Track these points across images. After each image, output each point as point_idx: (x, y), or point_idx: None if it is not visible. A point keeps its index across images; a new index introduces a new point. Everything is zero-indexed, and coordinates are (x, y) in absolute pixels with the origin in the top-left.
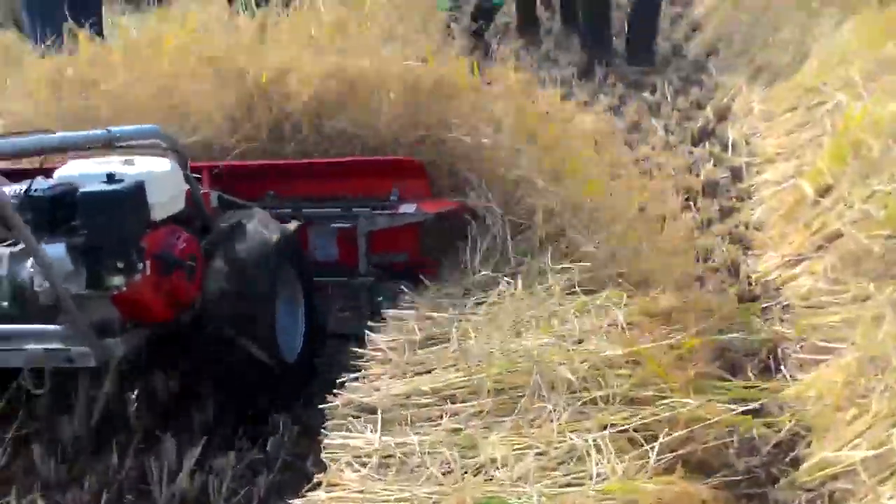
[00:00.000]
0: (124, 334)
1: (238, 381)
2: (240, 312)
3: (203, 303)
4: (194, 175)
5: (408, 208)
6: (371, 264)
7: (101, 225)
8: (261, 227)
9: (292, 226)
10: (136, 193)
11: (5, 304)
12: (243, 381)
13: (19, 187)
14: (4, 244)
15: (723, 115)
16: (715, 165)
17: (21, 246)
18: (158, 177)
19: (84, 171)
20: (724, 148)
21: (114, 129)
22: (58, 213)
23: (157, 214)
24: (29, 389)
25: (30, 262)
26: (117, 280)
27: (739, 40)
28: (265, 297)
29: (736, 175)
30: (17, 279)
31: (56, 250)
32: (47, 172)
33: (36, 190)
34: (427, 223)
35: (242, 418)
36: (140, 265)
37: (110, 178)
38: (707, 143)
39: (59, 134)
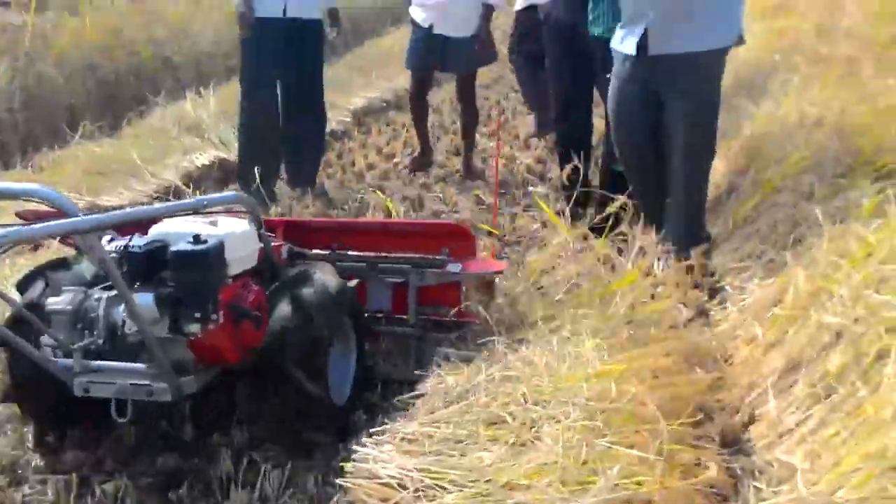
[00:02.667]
0: (196, 374)
1: (290, 415)
2: (299, 349)
3: (267, 342)
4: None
5: (454, 268)
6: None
7: (185, 280)
8: (323, 278)
9: (353, 282)
10: (217, 253)
11: (100, 341)
12: (296, 414)
13: (119, 243)
14: (102, 286)
15: None
16: None
17: (116, 291)
18: (236, 237)
19: (174, 231)
20: None
21: (202, 197)
22: (150, 266)
23: (233, 270)
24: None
25: (122, 306)
26: (195, 327)
27: None
28: (322, 339)
29: None
30: (110, 320)
31: (145, 299)
32: (144, 229)
33: (133, 246)
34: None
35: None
36: (215, 316)
37: (196, 238)
38: None
39: (156, 206)
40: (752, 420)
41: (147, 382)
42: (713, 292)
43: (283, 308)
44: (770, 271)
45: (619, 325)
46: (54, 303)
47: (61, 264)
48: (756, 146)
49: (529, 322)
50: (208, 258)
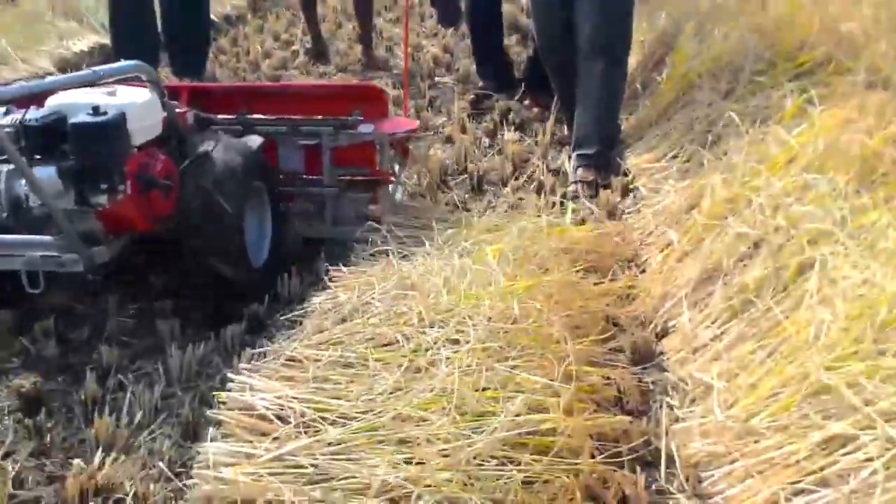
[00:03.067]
0: (108, 244)
1: (210, 287)
2: (210, 230)
3: (178, 218)
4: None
5: (366, 128)
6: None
7: (87, 152)
8: (232, 144)
9: (257, 142)
10: (119, 124)
11: (4, 215)
12: (215, 287)
13: (16, 116)
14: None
15: None
16: None
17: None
18: (138, 106)
19: (72, 102)
20: None
21: (99, 67)
22: (49, 139)
23: (137, 140)
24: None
25: (24, 180)
26: (102, 199)
27: None
28: (234, 216)
29: None
30: (13, 194)
31: (48, 172)
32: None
33: (30, 119)
34: None
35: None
36: (122, 186)
37: (95, 110)
38: None
39: (50, 79)
40: (664, 333)
41: (56, 254)
42: (625, 192)
43: (193, 181)
44: (685, 174)
45: (526, 231)
46: None
47: None
48: (671, 40)
49: (428, 228)
50: (110, 129)
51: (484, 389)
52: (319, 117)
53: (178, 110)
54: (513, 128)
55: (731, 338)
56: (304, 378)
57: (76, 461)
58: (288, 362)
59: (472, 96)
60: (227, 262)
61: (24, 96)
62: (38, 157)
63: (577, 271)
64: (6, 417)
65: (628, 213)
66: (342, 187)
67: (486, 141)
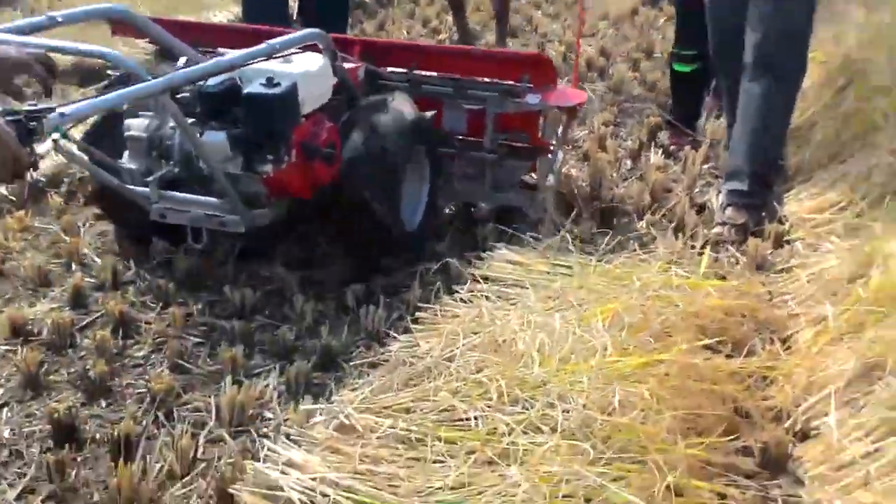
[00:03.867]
0: (269, 207)
1: (365, 244)
2: (372, 177)
3: (340, 170)
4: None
5: (533, 98)
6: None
7: (257, 122)
8: (399, 105)
9: (429, 113)
10: (290, 97)
11: (176, 169)
12: (370, 243)
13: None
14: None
15: None
16: None
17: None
18: (311, 76)
19: (249, 69)
20: None
21: (275, 40)
22: (223, 105)
23: (307, 109)
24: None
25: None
26: (267, 167)
27: None
28: (395, 168)
29: None
30: (185, 149)
31: (218, 136)
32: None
33: (208, 86)
34: None
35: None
36: (287, 157)
37: (269, 81)
38: None
39: (228, 56)
40: (805, 435)
41: (221, 214)
42: (779, 243)
43: (358, 137)
44: (853, 232)
45: (650, 287)
46: (130, 127)
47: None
48: (858, 66)
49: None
50: (281, 102)
51: (564, 497)
52: (487, 81)
53: (349, 66)
54: (660, 151)
55: (887, 460)
56: (352, 453)
57: None
58: (340, 428)
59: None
60: (384, 214)
61: (200, 77)
62: (211, 122)
63: (706, 345)
64: (34, 445)
65: (779, 270)
66: (502, 153)
67: (628, 163)
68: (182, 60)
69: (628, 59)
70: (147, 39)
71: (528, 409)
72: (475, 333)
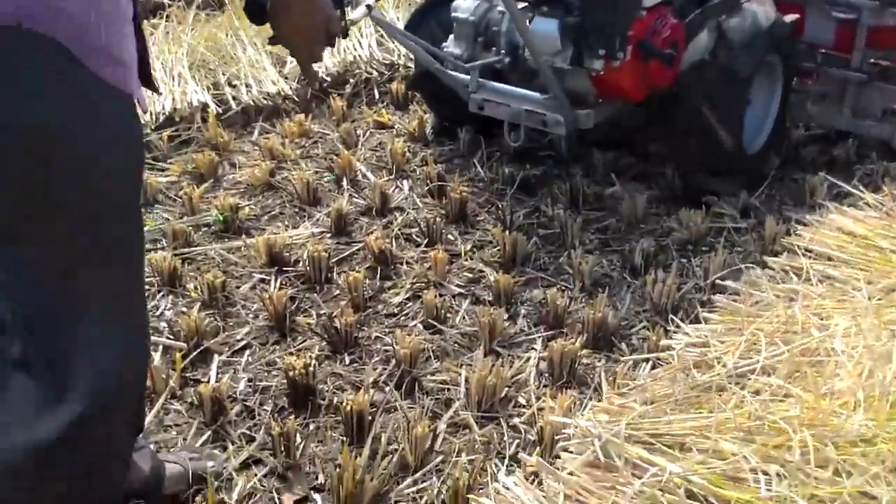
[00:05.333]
0: (595, 108)
1: (697, 161)
2: (716, 88)
3: (679, 77)
4: None
5: None
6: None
7: (592, 11)
8: (754, 6)
9: (790, 17)
10: None
11: (504, 59)
12: (703, 161)
13: None
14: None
15: None
16: None
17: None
18: None
19: None
20: None
21: None
22: None
23: (648, 1)
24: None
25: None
26: (598, 64)
27: None
28: (744, 80)
29: None
30: (512, 38)
31: (549, 26)
32: None
33: None
34: None
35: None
36: (621, 53)
37: None
38: None
39: None
40: None
41: (542, 112)
42: None
43: (704, 39)
44: None
45: None
46: (458, 9)
47: None
48: None
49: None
50: None
51: None
52: None
53: None
54: None
55: None
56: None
57: None
58: (593, 464)
59: None
60: (724, 132)
61: None
62: (544, 8)
63: None
64: (267, 402)
65: None
66: (872, 74)
67: None
68: None
69: None
70: None
71: (842, 474)
72: (783, 341)
